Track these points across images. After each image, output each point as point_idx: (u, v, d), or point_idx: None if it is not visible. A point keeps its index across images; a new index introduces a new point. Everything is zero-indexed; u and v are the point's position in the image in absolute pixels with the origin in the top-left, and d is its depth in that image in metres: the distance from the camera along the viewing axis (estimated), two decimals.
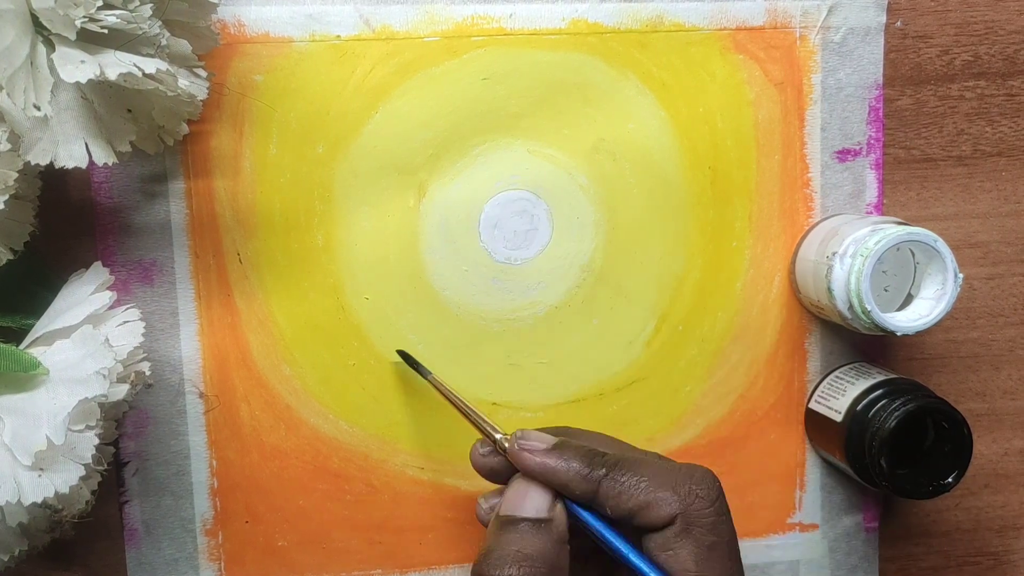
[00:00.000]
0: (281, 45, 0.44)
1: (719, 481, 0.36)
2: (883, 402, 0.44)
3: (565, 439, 0.38)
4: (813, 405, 0.48)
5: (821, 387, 0.49)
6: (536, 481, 0.37)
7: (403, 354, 0.46)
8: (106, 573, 0.46)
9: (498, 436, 0.39)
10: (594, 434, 0.42)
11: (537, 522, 0.35)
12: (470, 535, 0.48)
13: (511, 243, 0.47)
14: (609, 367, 0.48)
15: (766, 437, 0.49)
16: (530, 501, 0.36)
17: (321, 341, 0.46)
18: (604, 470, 0.35)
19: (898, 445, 0.44)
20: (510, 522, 0.36)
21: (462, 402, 0.42)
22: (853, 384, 0.46)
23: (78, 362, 0.34)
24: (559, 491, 0.36)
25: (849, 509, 0.50)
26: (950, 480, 0.44)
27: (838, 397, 0.47)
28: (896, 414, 0.43)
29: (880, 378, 0.46)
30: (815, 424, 0.49)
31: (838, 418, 0.46)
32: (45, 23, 0.33)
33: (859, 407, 0.45)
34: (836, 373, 0.48)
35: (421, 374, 0.44)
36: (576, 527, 0.36)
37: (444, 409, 0.47)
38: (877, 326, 0.42)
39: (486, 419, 0.40)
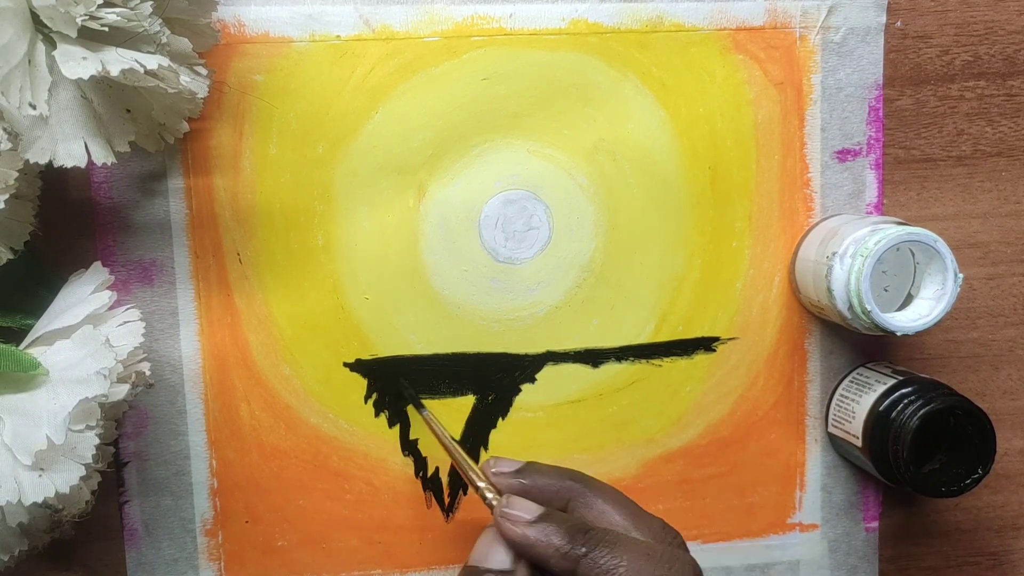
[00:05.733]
0: (281, 45, 0.44)
1: (700, 571, 0.36)
2: (906, 401, 0.44)
3: (550, 510, 0.38)
4: (834, 409, 0.49)
5: (843, 384, 0.49)
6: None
7: (402, 384, 0.46)
8: (106, 573, 0.46)
9: (489, 496, 0.39)
10: (608, 489, 0.40)
11: (501, 573, 0.37)
12: (470, 535, 0.48)
13: (511, 243, 0.47)
14: (609, 367, 0.48)
15: (766, 437, 0.49)
16: (495, 554, 0.37)
17: (321, 341, 0.46)
18: (584, 549, 0.35)
19: (920, 443, 0.44)
20: (475, 573, 0.37)
21: (455, 448, 0.42)
22: (872, 387, 0.47)
23: (78, 362, 0.34)
24: (537, 563, 0.37)
25: (849, 509, 0.50)
26: (977, 475, 0.44)
27: (859, 398, 0.47)
28: (920, 413, 0.43)
29: (900, 377, 0.46)
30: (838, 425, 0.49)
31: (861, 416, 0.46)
32: (46, 21, 0.33)
33: (881, 407, 0.45)
34: (854, 373, 0.49)
35: (416, 408, 0.45)
36: None
37: (443, 409, 0.47)
38: (877, 326, 0.42)
39: (477, 470, 0.40)
